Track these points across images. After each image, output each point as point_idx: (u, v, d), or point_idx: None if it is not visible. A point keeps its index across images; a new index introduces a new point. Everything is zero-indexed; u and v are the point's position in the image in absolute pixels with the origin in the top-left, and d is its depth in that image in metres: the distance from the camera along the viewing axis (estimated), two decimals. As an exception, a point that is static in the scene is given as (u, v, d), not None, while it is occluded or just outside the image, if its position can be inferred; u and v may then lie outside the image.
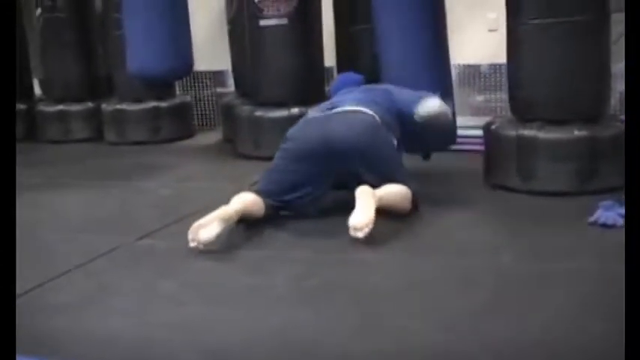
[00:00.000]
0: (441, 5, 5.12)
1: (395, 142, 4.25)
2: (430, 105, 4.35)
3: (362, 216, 3.69)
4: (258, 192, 4.12)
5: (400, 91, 4.55)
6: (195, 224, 3.70)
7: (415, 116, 4.33)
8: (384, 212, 3.84)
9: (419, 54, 4.95)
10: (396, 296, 3.07)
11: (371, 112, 4.23)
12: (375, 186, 3.91)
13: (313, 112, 4.49)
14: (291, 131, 4.32)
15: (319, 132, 4.17)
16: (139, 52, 6.06)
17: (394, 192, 4.03)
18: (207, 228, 3.69)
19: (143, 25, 6.01)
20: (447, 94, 4.68)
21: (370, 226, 3.65)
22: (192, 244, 3.68)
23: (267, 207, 4.09)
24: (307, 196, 4.16)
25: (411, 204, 4.11)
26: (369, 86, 4.74)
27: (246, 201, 4.01)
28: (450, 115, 4.55)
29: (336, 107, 4.35)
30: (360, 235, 3.64)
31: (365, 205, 3.75)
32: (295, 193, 4.14)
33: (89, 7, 7.99)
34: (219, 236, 3.70)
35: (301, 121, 4.44)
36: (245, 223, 3.99)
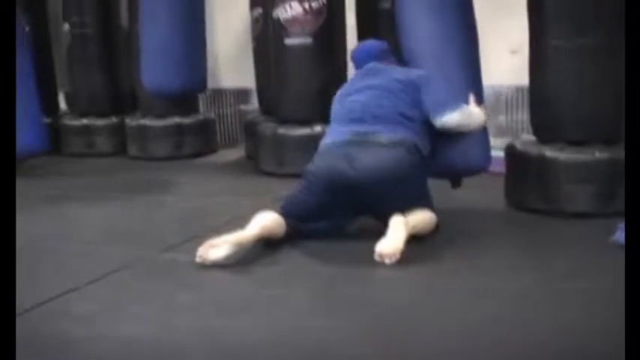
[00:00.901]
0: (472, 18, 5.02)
1: (422, 162, 4.12)
2: (463, 114, 4.28)
3: (391, 245, 3.68)
4: (281, 213, 4.09)
5: (430, 88, 4.26)
6: (208, 243, 3.72)
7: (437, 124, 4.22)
8: (410, 237, 3.84)
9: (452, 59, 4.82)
10: (416, 313, 3.07)
11: (397, 139, 4.06)
12: (402, 211, 3.90)
13: (340, 128, 4.28)
14: (316, 159, 4.16)
15: (342, 169, 3.97)
16: (152, 68, 6.11)
17: (423, 220, 4.01)
18: (218, 248, 3.70)
19: (157, 41, 6.07)
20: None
21: (397, 256, 3.65)
22: (198, 260, 3.70)
23: (289, 228, 4.06)
24: (330, 226, 4.13)
25: (435, 227, 4.11)
26: (395, 74, 4.37)
27: (265, 224, 3.95)
28: (480, 125, 4.42)
29: (363, 131, 4.14)
30: (386, 261, 3.65)
31: (396, 235, 3.74)
32: (318, 223, 4.10)
33: (115, 22, 8.08)
34: (227, 258, 3.70)
35: (327, 141, 4.26)
36: (265, 241, 3.99)
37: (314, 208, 4.08)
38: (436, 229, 4.13)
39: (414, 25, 4.63)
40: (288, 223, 4.05)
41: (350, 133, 4.15)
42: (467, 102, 4.36)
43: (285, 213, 4.08)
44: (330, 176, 4.01)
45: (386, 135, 4.07)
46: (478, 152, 4.51)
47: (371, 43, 4.81)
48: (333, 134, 4.27)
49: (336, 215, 4.11)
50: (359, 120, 4.20)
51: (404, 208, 3.91)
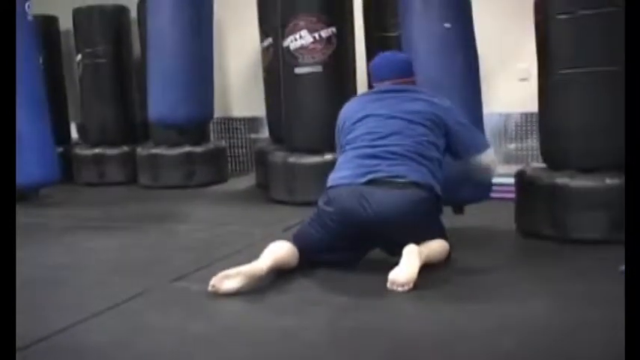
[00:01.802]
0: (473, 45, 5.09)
1: (436, 201, 4.12)
2: (488, 156, 4.34)
3: (405, 274, 3.68)
4: (294, 243, 4.09)
5: (457, 124, 4.23)
6: (222, 274, 3.72)
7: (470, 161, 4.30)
8: (423, 266, 3.83)
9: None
10: (430, 342, 3.06)
11: (413, 179, 3.99)
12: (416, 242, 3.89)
13: (351, 162, 4.16)
14: (330, 199, 4.07)
15: (356, 210, 3.92)
16: (159, 98, 6.14)
17: (436, 249, 4.02)
18: (231, 280, 3.70)
19: (163, 72, 6.11)
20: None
21: (410, 285, 3.66)
22: (210, 290, 3.70)
23: (302, 258, 4.06)
24: (342, 259, 4.10)
25: (447, 255, 4.12)
26: (416, 104, 4.22)
27: (278, 255, 3.94)
28: (495, 167, 4.48)
29: (376, 171, 4.03)
30: (399, 289, 3.65)
31: (410, 264, 3.74)
32: (330, 255, 4.09)
33: (127, 53, 8.16)
34: (241, 289, 3.70)
35: (341, 177, 4.12)
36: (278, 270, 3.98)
37: (326, 244, 4.07)
38: (448, 258, 4.13)
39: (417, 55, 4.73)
40: (300, 253, 4.05)
41: (365, 171, 4.06)
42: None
43: (298, 245, 4.07)
44: (344, 217, 3.98)
45: (402, 175, 4.01)
46: (481, 182, 4.60)
47: (392, 55, 4.63)
48: (347, 168, 4.15)
49: (348, 250, 4.09)
50: (375, 157, 4.10)
51: (417, 242, 3.90)
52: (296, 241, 4.10)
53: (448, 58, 4.82)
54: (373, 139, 4.17)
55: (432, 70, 4.71)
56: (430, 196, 4.03)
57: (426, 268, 3.82)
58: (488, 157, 4.33)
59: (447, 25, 4.85)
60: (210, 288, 3.69)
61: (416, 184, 3.99)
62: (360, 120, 4.28)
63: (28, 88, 6.34)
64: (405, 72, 4.42)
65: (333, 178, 4.18)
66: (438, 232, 4.12)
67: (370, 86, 5.29)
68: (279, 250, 3.98)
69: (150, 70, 6.22)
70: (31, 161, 6.28)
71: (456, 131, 4.21)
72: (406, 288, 3.64)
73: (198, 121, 6.49)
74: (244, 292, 3.69)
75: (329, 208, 4.05)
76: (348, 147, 4.26)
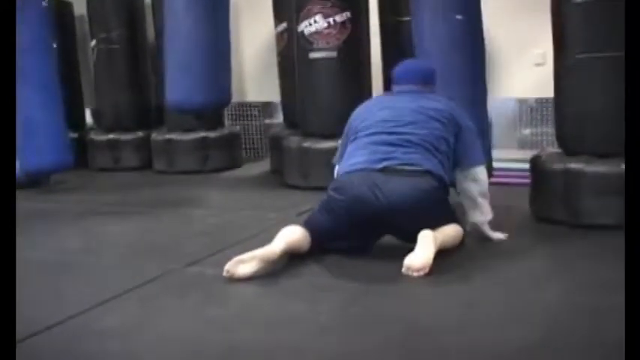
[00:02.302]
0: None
1: (445, 191, 4.17)
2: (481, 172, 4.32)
3: (420, 259, 3.68)
4: (306, 228, 4.08)
5: (468, 128, 4.28)
6: (236, 258, 3.72)
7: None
8: (437, 252, 3.82)
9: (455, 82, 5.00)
10: (442, 329, 3.07)
11: (425, 169, 4.03)
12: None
13: (364, 149, 4.18)
14: (341, 185, 4.09)
15: (368, 199, 3.92)
16: (176, 83, 6.15)
17: (450, 235, 4.02)
18: (246, 264, 3.70)
19: (180, 56, 6.11)
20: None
21: (426, 270, 3.65)
22: (225, 275, 3.70)
23: (313, 243, 4.06)
24: (353, 245, 4.09)
25: (461, 240, 4.13)
26: (433, 102, 4.29)
27: (291, 239, 3.94)
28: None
29: (388, 159, 4.06)
30: (414, 274, 3.65)
31: (426, 249, 3.73)
32: (341, 242, 4.08)
33: (142, 38, 8.16)
34: (255, 273, 3.71)
35: (353, 163, 4.15)
36: (291, 254, 3.99)
37: (336, 232, 4.06)
38: (462, 242, 4.14)
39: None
40: (312, 238, 4.05)
41: (380, 157, 4.08)
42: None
43: (310, 230, 4.06)
44: (354, 206, 3.97)
45: (417, 163, 4.03)
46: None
47: (415, 63, 4.73)
48: (360, 155, 4.17)
49: (359, 237, 4.08)
50: (391, 144, 4.12)
51: (431, 229, 3.89)
52: (307, 227, 4.09)
53: (456, 49, 4.89)
54: (390, 127, 4.19)
55: (440, 59, 4.79)
56: (440, 185, 4.06)
57: (441, 254, 3.82)
58: (481, 172, 4.30)
59: (459, 16, 4.91)
60: (224, 273, 3.70)
61: (429, 173, 4.02)
62: (375, 112, 4.34)
63: (42, 74, 6.38)
64: (427, 80, 4.46)
65: (345, 165, 4.19)
66: (450, 218, 4.11)
67: (387, 88, 5.35)
68: (292, 235, 3.98)
69: (166, 56, 6.23)
70: (44, 147, 6.31)
71: (464, 133, 4.26)
72: (422, 273, 3.64)
73: (215, 106, 6.49)
74: (258, 276, 3.70)
75: (340, 197, 4.04)
76: (361, 134, 4.26)
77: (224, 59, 6.30)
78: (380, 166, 4.03)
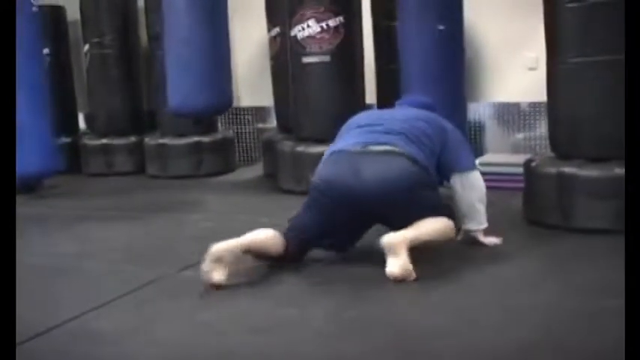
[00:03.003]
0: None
1: (428, 176, 4.05)
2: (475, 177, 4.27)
3: (397, 269, 3.61)
4: (288, 231, 4.00)
5: (457, 139, 4.31)
6: (204, 270, 3.65)
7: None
8: (424, 249, 3.79)
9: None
10: (436, 333, 3.07)
11: (404, 151, 3.98)
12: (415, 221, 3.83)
13: (348, 137, 4.23)
14: (322, 168, 4.12)
15: (346, 180, 3.90)
16: (179, 88, 6.15)
17: (433, 228, 3.87)
18: (215, 271, 3.63)
19: (183, 61, 6.11)
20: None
21: (412, 275, 3.62)
22: (207, 286, 3.65)
23: (295, 246, 3.96)
24: (341, 241, 4.07)
25: (453, 232, 4.03)
26: (424, 115, 4.33)
27: (254, 238, 3.86)
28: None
29: (370, 142, 4.06)
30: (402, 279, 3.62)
31: (397, 257, 3.64)
32: (328, 239, 4.03)
33: (135, 44, 8.16)
34: (228, 277, 3.66)
35: (333, 149, 4.19)
36: (265, 259, 3.95)
37: (322, 226, 3.98)
38: (456, 236, 4.09)
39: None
40: (293, 242, 3.97)
41: (361, 141, 4.09)
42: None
43: (290, 235, 3.98)
44: (333, 188, 3.93)
45: (400, 146, 4.00)
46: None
47: (418, 97, 4.81)
48: (340, 142, 4.22)
49: (343, 228, 4.01)
50: (374, 132, 4.14)
51: (417, 219, 3.83)
52: (291, 231, 4.00)
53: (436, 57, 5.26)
54: (373, 125, 4.22)
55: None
56: (422, 171, 3.98)
57: (432, 255, 3.81)
58: (475, 177, 4.26)
59: (441, 27, 5.06)
60: (206, 286, 3.66)
61: (409, 157, 3.96)
62: (362, 117, 4.42)
63: (30, 78, 6.37)
64: (424, 106, 4.51)
65: (325, 153, 4.21)
66: (439, 210, 3.97)
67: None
68: (257, 235, 3.90)
69: (167, 60, 6.24)
70: (31, 151, 6.30)
71: (450, 136, 4.25)
72: (410, 279, 3.62)
73: (216, 109, 6.51)
74: (251, 282, 3.69)
75: (317, 180, 4.05)
76: (345, 133, 4.31)
77: (223, 61, 6.31)
78: (358, 148, 4.04)
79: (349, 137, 4.21)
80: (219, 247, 3.69)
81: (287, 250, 3.94)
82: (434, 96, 4.88)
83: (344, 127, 4.42)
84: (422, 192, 3.97)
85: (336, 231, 4.02)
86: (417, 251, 3.72)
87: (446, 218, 3.96)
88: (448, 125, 4.31)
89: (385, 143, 4.03)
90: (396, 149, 3.98)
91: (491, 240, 4.26)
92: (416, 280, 3.63)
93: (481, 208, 4.24)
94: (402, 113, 4.37)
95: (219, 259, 3.65)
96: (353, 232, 4.10)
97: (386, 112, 4.47)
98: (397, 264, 3.63)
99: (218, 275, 3.63)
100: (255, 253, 3.89)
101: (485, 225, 4.26)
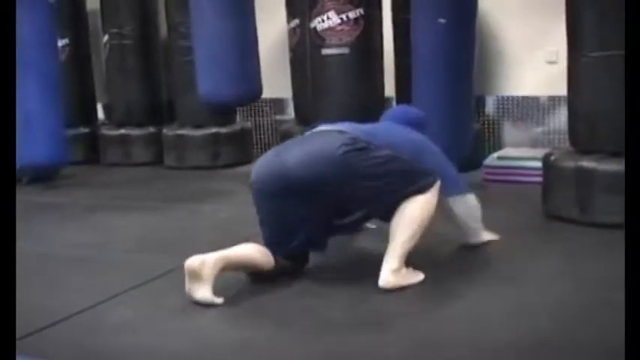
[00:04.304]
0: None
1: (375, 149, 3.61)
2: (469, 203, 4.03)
3: (390, 281, 3.47)
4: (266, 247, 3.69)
5: (443, 162, 3.92)
6: (187, 289, 3.42)
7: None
8: (425, 237, 3.64)
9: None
10: (452, 325, 3.06)
11: (342, 129, 3.67)
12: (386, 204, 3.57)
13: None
14: (255, 167, 3.80)
15: (273, 169, 3.65)
16: (209, 77, 6.16)
17: (407, 232, 3.55)
18: (197, 291, 3.38)
19: (212, 50, 6.11)
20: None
21: (409, 280, 3.52)
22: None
23: (277, 263, 3.67)
24: (309, 241, 3.73)
25: (430, 204, 3.62)
26: (408, 134, 3.94)
27: (229, 254, 3.55)
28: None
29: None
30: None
31: (386, 271, 3.49)
32: (294, 240, 3.68)
33: (154, 34, 8.16)
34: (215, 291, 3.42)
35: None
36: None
37: (276, 225, 3.71)
38: (435, 211, 3.67)
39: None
40: (275, 258, 3.67)
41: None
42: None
43: (266, 243, 3.71)
44: (264, 182, 3.67)
45: (333, 126, 3.76)
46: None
47: (407, 109, 4.63)
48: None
49: (307, 225, 3.67)
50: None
51: (385, 201, 3.58)
52: (268, 246, 3.69)
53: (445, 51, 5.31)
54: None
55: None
56: (361, 143, 3.58)
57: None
58: (470, 200, 4.04)
59: (442, 20, 5.07)
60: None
61: (343, 133, 3.64)
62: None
63: (44, 69, 6.43)
64: (411, 122, 4.11)
65: None
66: (411, 183, 3.59)
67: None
68: (247, 247, 3.67)
69: (197, 51, 6.26)
70: (41, 141, 6.34)
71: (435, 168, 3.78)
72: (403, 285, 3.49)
73: (248, 98, 6.52)
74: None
75: (251, 181, 3.76)
76: None
77: (253, 52, 6.32)
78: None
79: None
80: (193, 261, 3.39)
81: (276, 267, 3.67)
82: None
83: None
84: (360, 162, 3.54)
85: (298, 226, 3.66)
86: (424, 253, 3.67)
87: (413, 199, 3.58)
88: (430, 149, 3.93)
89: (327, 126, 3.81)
90: (329, 128, 3.75)
91: (488, 236, 4.15)
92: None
93: (477, 226, 4.07)
94: (384, 128, 4.02)
95: (195, 275, 3.38)
96: (317, 222, 3.72)
97: (364, 126, 3.87)
98: (387, 279, 3.47)
99: (202, 292, 3.37)
100: (239, 267, 3.64)
101: (483, 238, 4.12)
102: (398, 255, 3.51)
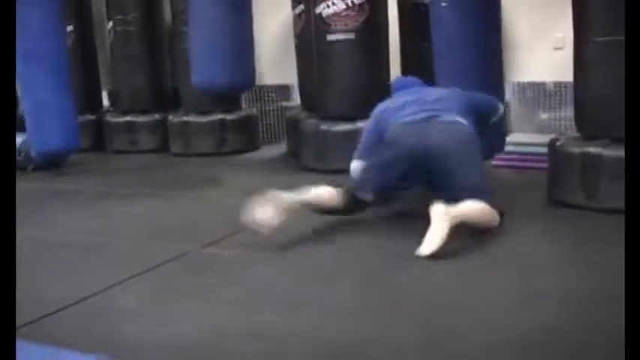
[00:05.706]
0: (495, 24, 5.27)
1: (476, 141, 4.33)
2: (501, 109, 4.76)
3: (429, 247, 3.69)
4: (355, 184, 4.31)
5: (470, 94, 4.64)
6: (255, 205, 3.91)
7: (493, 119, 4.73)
8: (465, 226, 3.84)
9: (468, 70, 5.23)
10: (463, 311, 3.07)
11: (456, 120, 4.33)
12: (456, 200, 3.90)
13: (400, 113, 4.50)
14: (392, 135, 4.39)
15: (420, 141, 4.22)
16: (203, 65, 6.17)
17: (474, 209, 3.97)
18: (259, 212, 3.89)
19: (208, 39, 6.12)
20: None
21: (444, 231, 3.72)
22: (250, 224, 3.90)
23: (349, 200, 4.25)
24: (404, 188, 4.39)
25: (497, 216, 4.08)
26: (440, 90, 4.76)
27: (319, 194, 4.19)
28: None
29: (433, 117, 4.36)
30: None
31: (434, 234, 3.74)
32: (395, 185, 4.33)
33: (159, 21, 8.16)
34: (272, 218, 3.85)
35: (396, 124, 4.45)
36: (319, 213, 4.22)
37: (393, 176, 4.28)
38: (496, 222, 4.08)
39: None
40: (349, 195, 4.26)
41: (414, 118, 4.37)
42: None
43: (360, 182, 4.32)
44: (409, 147, 4.24)
45: (446, 117, 4.33)
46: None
47: (411, 78, 5.04)
48: (401, 115, 4.46)
49: (409, 181, 4.33)
50: (426, 111, 4.40)
51: (465, 184, 4.04)
52: (363, 177, 4.34)
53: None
54: (422, 104, 4.46)
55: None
56: (470, 133, 4.33)
57: (460, 234, 3.80)
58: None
59: (444, 3, 5.06)
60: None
61: (458, 122, 4.33)
62: (399, 103, 4.57)
63: (54, 57, 6.46)
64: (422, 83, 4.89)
65: (391, 129, 4.46)
66: (484, 194, 4.07)
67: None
68: (322, 190, 4.23)
69: (193, 37, 6.26)
70: (53, 129, 6.38)
71: (470, 96, 4.61)
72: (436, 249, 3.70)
73: (241, 86, 6.54)
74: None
75: (388, 141, 4.38)
76: (392, 119, 4.49)
77: (248, 42, 6.34)
78: (415, 120, 4.36)
79: (400, 112, 4.47)
80: (279, 205, 3.94)
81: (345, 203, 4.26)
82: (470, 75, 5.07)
83: (383, 115, 4.60)
84: (472, 153, 4.25)
85: (405, 178, 4.32)
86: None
87: (488, 205, 4.02)
88: (460, 92, 4.64)
89: (438, 115, 4.37)
90: (447, 119, 4.34)
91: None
92: (442, 258, 3.63)
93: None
94: (433, 90, 4.71)
95: (264, 201, 3.93)
96: (417, 179, 4.35)
97: (419, 93, 4.63)
98: (430, 243, 3.71)
99: (263, 212, 3.89)
100: (314, 206, 4.20)
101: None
102: (460, 210, 3.84)
